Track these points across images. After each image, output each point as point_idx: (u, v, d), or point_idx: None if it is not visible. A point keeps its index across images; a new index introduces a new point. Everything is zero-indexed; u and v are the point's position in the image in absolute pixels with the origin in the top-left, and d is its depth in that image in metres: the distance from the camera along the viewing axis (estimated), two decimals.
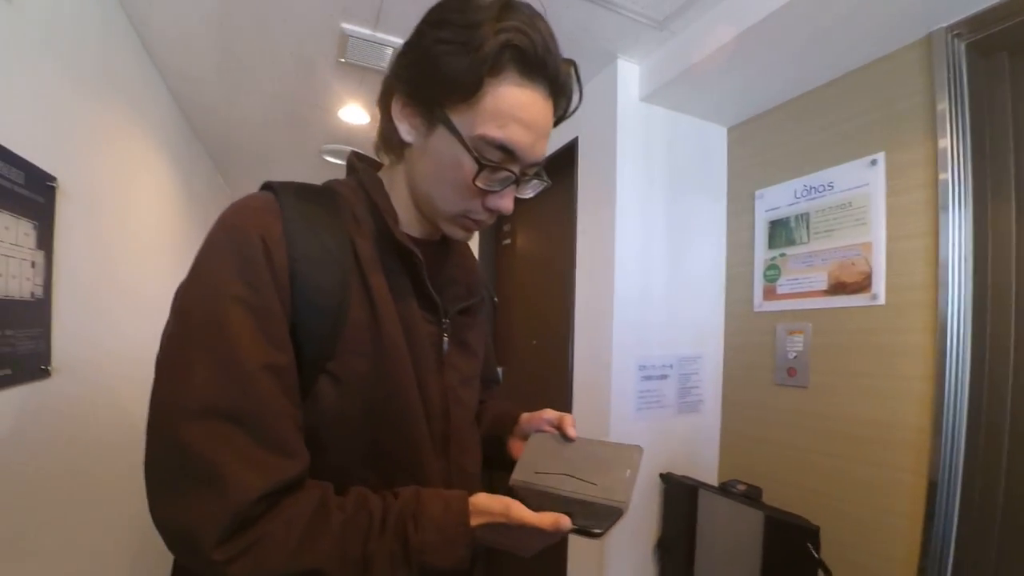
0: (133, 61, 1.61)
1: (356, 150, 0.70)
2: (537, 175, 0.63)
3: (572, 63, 0.60)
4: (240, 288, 0.49)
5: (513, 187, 0.60)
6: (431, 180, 0.60)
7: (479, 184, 0.57)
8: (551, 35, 0.56)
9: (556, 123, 0.62)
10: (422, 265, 0.61)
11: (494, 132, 0.55)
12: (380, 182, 0.65)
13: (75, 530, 1.28)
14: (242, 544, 0.45)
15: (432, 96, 0.57)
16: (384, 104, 0.63)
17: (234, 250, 0.51)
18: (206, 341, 0.48)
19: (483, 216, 0.62)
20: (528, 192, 0.64)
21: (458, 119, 0.56)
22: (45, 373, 1.15)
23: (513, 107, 0.55)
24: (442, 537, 0.50)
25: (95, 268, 1.40)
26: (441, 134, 0.57)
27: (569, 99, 0.61)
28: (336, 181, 0.65)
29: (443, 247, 0.73)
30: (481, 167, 0.55)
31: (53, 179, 1.15)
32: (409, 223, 0.66)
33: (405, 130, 0.61)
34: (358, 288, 0.57)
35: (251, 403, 0.48)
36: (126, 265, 1.64)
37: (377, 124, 0.66)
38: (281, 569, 0.46)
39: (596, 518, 0.54)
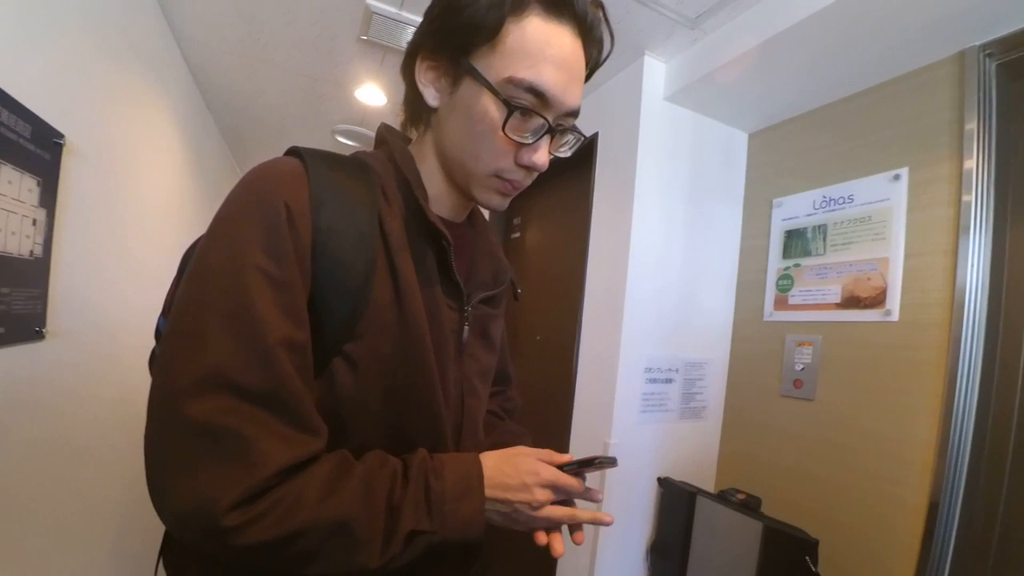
0: (151, 26, 1.57)
1: (386, 123, 0.66)
2: (573, 129, 0.59)
3: (599, 3, 0.57)
4: (261, 258, 0.47)
5: (547, 139, 0.56)
6: (460, 139, 0.57)
7: (509, 133, 0.53)
8: None
9: (589, 74, 0.59)
10: (450, 248, 0.58)
11: (523, 72, 0.52)
12: (411, 156, 0.62)
13: (57, 503, 1.25)
14: (260, 507, 0.43)
15: (455, 45, 0.54)
16: (408, 70, 0.60)
17: (258, 216, 0.48)
18: (226, 309, 0.45)
19: (518, 175, 0.57)
20: (564, 150, 0.61)
21: (483, 65, 0.53)
22: (39, 336, 1.11)
23: (541, 45, 0.52)
24: (463, 486, 0.51)
25: (99, 231, 1.36)
26: (468, 86, 0.54)
27: (600, 44, 0.58)
28: (365, 153, 0.62)
29: (472, 230, 0.71)
30: (510, 111, 0.52)
31: (61, 136, 1.11)
32: (437, 201, 0.63)
33: (431, 95, 0.58)
34: (384, 268, 0.54)
35: (271, 379, 0.45)
36: (131, 231, 1.59)
37: (392, 106, 0.64)
38: (305, 524, 0.44)
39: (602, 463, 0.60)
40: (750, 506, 1.44)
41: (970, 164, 1.18)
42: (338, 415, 0.52)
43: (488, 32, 0.52)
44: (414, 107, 0.61)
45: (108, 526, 1.52)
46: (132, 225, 1.59)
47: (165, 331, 0.47)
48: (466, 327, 0.64)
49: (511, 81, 0.52)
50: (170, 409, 0.44)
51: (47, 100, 1.06)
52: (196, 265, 0.48)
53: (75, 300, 1.25)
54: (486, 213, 0.80)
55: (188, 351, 0.45)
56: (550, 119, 0.54)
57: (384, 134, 0.64)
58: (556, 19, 0.53)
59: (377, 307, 0.53)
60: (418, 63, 0.58)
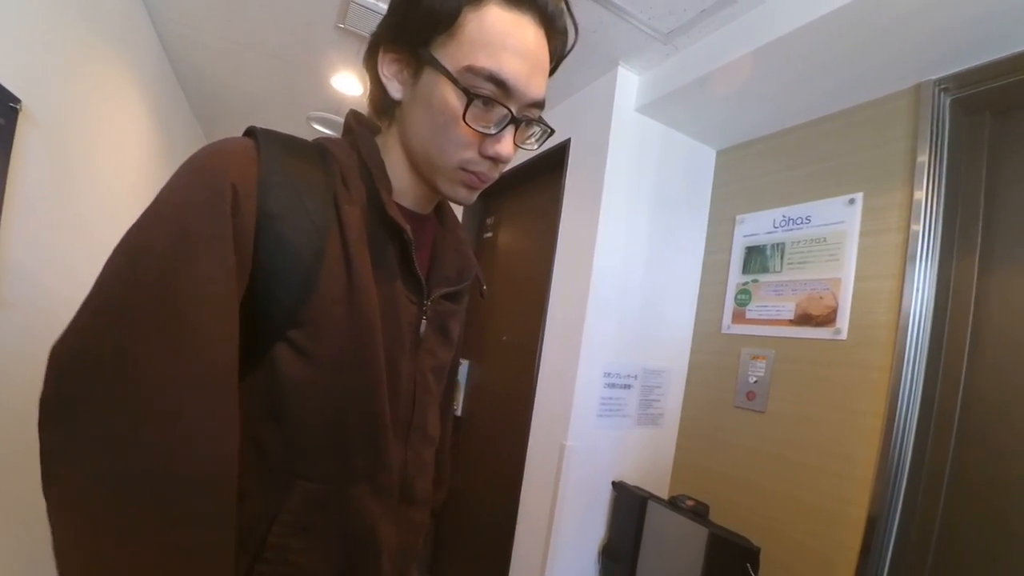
0: (123, 2, 1.52)
1: (355, 110, 0.65)
2: (540, 121, 0.59)
3: None
4: (200, 240, 0.45)
5: (511, 129, 0.55)
6: (424, 131, 0.56)
7: (471, 123, 0.53)
8: None
9: (554, 67, 0.60)
10: (411, 243, 0.58)
11: (483, 61, 0.51)
12: (376, 147, 0.61)
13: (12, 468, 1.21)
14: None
15: (415, 35, 0.54)
16: (371, 63, 0.60)
17: (199, 195, 0.47)
18: (155, 307, 0.44)
19: (482, 167, 0.57)
20: (531, 142, 0.60)
21: (443, 55, 0.53)
22: None
23: (501, 33, 0.52)
24: None
25: (54, 201, 1.31)
26: (428, 76, 0.54)
27: (564, 36, 0.59)
28: (328, 139, 0.61)
29: (440, 225, 0.70)
30: (470, 100, 0.52)
31: (18, 101, 1.08)
32: (403, 192, 0.62)
33: (394, 87, 0.58)
34: (337, 257, 0.53)
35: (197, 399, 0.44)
36: (88, 206, 1.54)
37: (362, 63, 0.63)
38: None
39: None
40: (698, 513, 1.47)
41: (920, 195, 1.22)
42: (277, 400, 0.52)
43: (446, 20, 0.52)
44: (379, 100, 0.61)
45: None
46: (89, 200, 1.53)
47: (90, 297, 0.45)
48: (424, 321, 0.63)
49: (471, 70, 0.52)
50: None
51: (5, 63, 1.02)
52: (129, 241, 0.46)
53: (24, 271, 1.20)
54: (459, 210, 0.80)
55: (105, 332, 0.43)
56: (514, 109, 0.54)
57: (351, 122, 0.63)
58: (517, 9, 0.53)
59: (325, 296, 0.52)
60: (380, 56, 0.58)
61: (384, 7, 1.48)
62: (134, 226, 0.47)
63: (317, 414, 0.53)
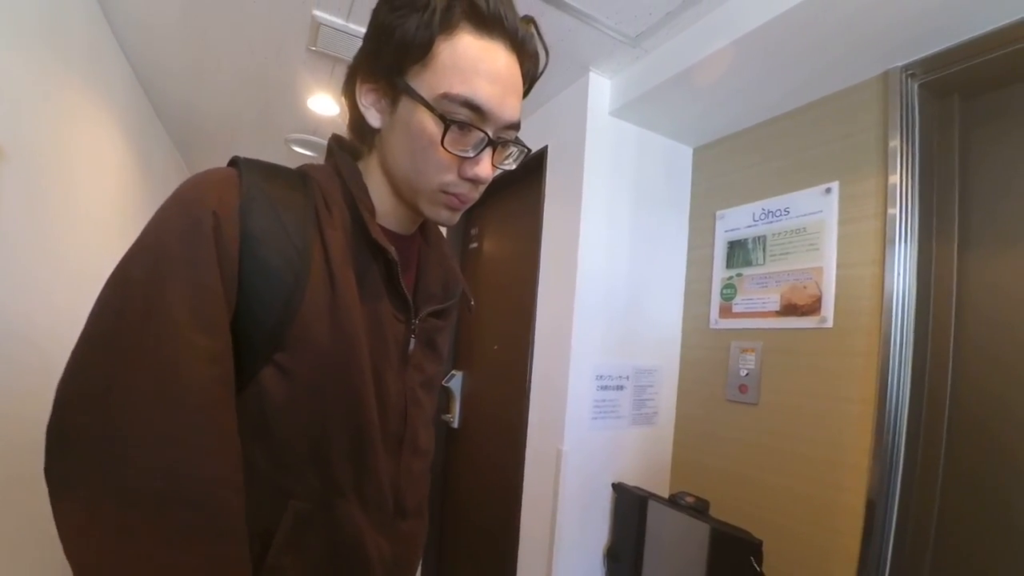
0: (91, 30, 1.52)
1: (337, 134, 0.67)
2: (517, 141, 0.60)
3: (531, 19, 0.59)
4: (182, 268, 0.47)
5: (489, 151, 0.57)
6: (403, 157, 0.58)
7: (448, 147, 0.54)
8: None
9: (528, 88, 0.61)
10: (395, 264, 0.59)
11: (457, 88, 0.53)
12: (358, 171, 0.62)
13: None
14: None
15: (390, 66, 0.56)
16: (349, 92, 0.61)
17: (183, 227, 0.49)
18: (137, 334, 0.46)
19: (463, 188, 0.58)
20: (509, 162, 0.62)
21: (419, 83, 0.54)
22: None
23: (473, 60, 0.54)
24: None
25: (30, 232, 1.30)
26: (405, 104, 0.56)
27: (535, 58, 0.60)
28: (310, 166, 0.62)
29: (425, 243, 0.72)
30: (447, 126, 0.53)
31: None
32: (385, 215, 0.63)
33: (372, 116, 0.59)
34: (321, 279, 0.54)
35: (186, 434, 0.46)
36: (65, 231, 1.53)
37: (340, 93, 0.65)
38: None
39: None
40: (698, 509, 1.47)
41: (894, 179, 1.24)
42: (264, 418, 0.53)
43: (419, 51, 0.53)
44: (358, 128, 0.62)
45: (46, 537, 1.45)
46: (66, 229, 1.52)
47: (83, 331, 0.47)
48: (412, 338, 0.64)
49: (446, 96, 0.53)
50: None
51: None
52: (117, 273, 0.48)
53: (3, 308, 1.20)
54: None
55: (95, 363, 0.46)
56: (490, 132, 0.56)
57: (333, 146, 0.65)
58: (487, 36, 0.55)
59: (308, 317, 0.53)
60: (358, 86, 0.59)
61: (354, 29, 1.49)
62: (123, 258, 0.49)
63: (302, 431, 0.54)
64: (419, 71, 0.54)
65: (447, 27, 0.53)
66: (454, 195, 0.59)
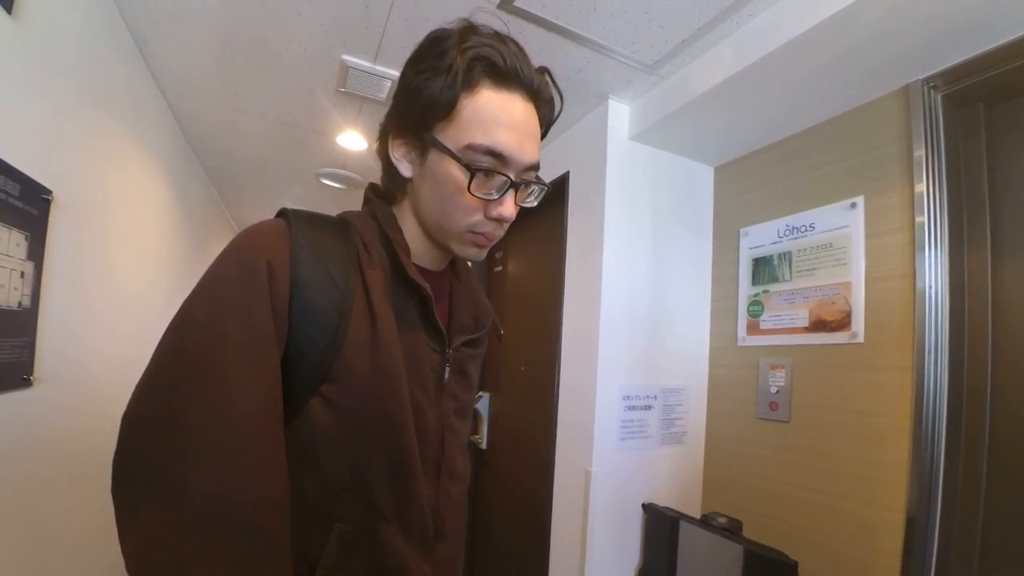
0: (135, 78, 1.64)
1: (373, 183, 0.73)
2: (537, 180, 0.65)
3: (545, 69, 0.64)
4: (240, 313, 0.52)
5: (512, 193, 0.62)
6: (433, 202, 0.63)
7: (475, 192, 0.59)
8: (519, 47, 0.61)
9: (545, 131, 0.66)
10: (430, 299, 0.64)
11: (479, 138, 0.58)
12: (393, 215, 0.68)
13: (42, 554, 1.25)
14: None
15: (419, 122, 0.61)
16: (382, 150, 0.67)
17: (235, 272, 0.54)
18: (198, 371, 0.51)
19: (489, 228, 0.63)
20: (531, 200, 0.67)
21: (445, 137, 0.60)
22: (27, 383, 1.14)
23: (493, 112, 0.59)
24: None
25: (87, 278, 1.41)
26: (433, 156, 0.61)
27: (550, 104, 0.65)
28: (350, 213, 0.68)
29: (455, 277, 0.77)
30: (473, 173, 0.58)
31: (49, 192, 1.16)
32: (419, 254, 0.69)
33: (404, 167, 0.65)
34: (363, 315, 0.59)
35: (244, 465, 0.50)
36: (120, 274, 1.65)
37: (374, 150, 0.71)
38: None
39: None
40: (731, 530, 1.45)
41: (920, 188, 1.23)
42: (311, 447, 0.57)
43: (445, 108, 0.59)
44: (392, 179, 0.68)
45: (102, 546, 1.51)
46: (120, 268, 1.64)
47: (147, 368, 0.52)
48: (447, 367, 0.68)
49: (470, 147, 0.58)
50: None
51: (34, 159, 1.11)
52: (179, 316, 0.54)
53: (64, 344, 1.29)
54: None
55: (157, 397, 0.50)
56: (511, 175, 0.60)
57: (369, 194, 0.71)
58: (505, 89, 0.60)
59: (352, 351, 0.57)
60: (390, 142, 0.65)
61: (381, 71, 1.57)
62: (185, 301, 0.54)
63: (346, 459, 0.58)
64: (445, 126, 0.60)
65: (469, 85, 0.58)
66: (481, 234, 0.63)
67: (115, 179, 1.56)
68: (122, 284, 1.66)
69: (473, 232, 0.63)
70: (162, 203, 2.05)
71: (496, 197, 0.61)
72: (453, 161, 0.59)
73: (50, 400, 1.25)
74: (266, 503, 0.50)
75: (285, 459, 0.53)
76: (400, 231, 0.66)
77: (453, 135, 0.59)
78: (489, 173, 0.59)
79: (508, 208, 0.62)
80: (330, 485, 0.58)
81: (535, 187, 0.66)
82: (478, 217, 0.62)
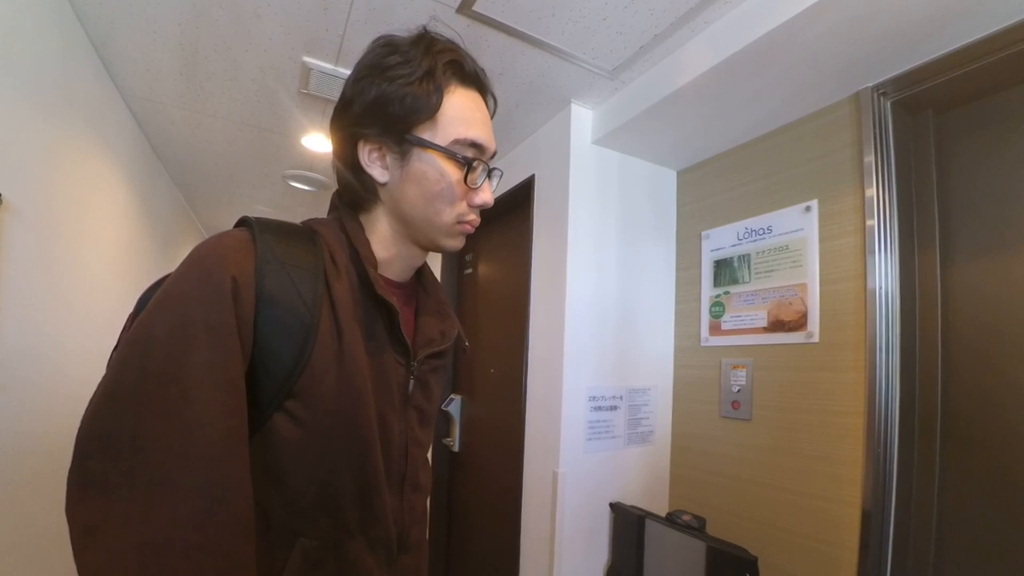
0: (93, 82, 1.59)
1: (339, 190, 0.72)
2: (495, 168, 0.71)
3: (484, 71, 0.70)
4: (202, 331, 0.50)
5: (488, 180, 0.68)
6: (421, 200, 0.65)
7: (468, 184, 0.64)
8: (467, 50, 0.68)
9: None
10: (396, 314, 0.64)
11: (464, 132, 0.63)
12: (360, 226, 0.68)
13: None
14: None
15: (402, 127, 0.63)
16: (347, 159, 0.66)
17: (199, 288, 0.52)
18: (162, 392, 0.48)
19: (473, 216, 0.68)
20: (495, 183, 0.71)
21: (429, 136, 0.63)
22: None
23: (468, 109, 0.65)
24: None
25: (41, 283, 1.37)
26: (419, 156, 0.63)
27: (495, 99, 0.72)
28: (316, 221, 0.67)
29: (423, 290, 0.77)
30: (468, 165, 0.63)
31: None
32: (386, 264, 0.69)
33: (378, 172, 0.65)
34: (329, 331, 0.58)
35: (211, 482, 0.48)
36: (76, 283, 1.60)
37: (332, 161, 0.70)
38: None
39: None
40: (695, 527, 1.48)
41: (871, 192, 1.27)
42: (275, 463, 0.56)
43: (431, 111, 0.62)
44: (363, 186, 0.67)
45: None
46: (74, 277, 1.58)
47: (99, 385, 0.50)
48: (412, 380, 0.68)
49: (458, 141, 0.63)
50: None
51: None
52: (139, 332, 0.51)
53: (16, 353, 1.25)
54: (437, 270, 0.86)
55: (120, 417, 0.48)
56: (487, 164, 0.66)
57: (336, 201, 0.71)
58: (472, 88, 0.66)
59: (318, 367, 0.56)
60: (360, 149, 0.64)
61: (343, 73, 1.56)
62: (143, 315, 0.52)
63: (312, 475, 0.58)
64: (428, 126, 0.63)
65: (447, 86, 0.63)
66: (467, 223, 0.68)
67: (73, 185, 1.51)
68: (80, 289, 1.60)
69: (460, 222, 0.67)
70: (122, 206, 2.00)
71: (479, 185, 0.66)
72: (443, 156, 0.63)
73: (12, 405, 1.22)
74: (234, 527, 0.49)
75: (251, 481, 0.52)
76: (367, 244, 0.66)
77: (439, 134, 0.63)
78: (474, 163, 0.64)
79: (488, 195, 0.67)
80: (296, 501, 0.57)
81: (496, 172, 0.72)
82: (463, 207, 0.66)
